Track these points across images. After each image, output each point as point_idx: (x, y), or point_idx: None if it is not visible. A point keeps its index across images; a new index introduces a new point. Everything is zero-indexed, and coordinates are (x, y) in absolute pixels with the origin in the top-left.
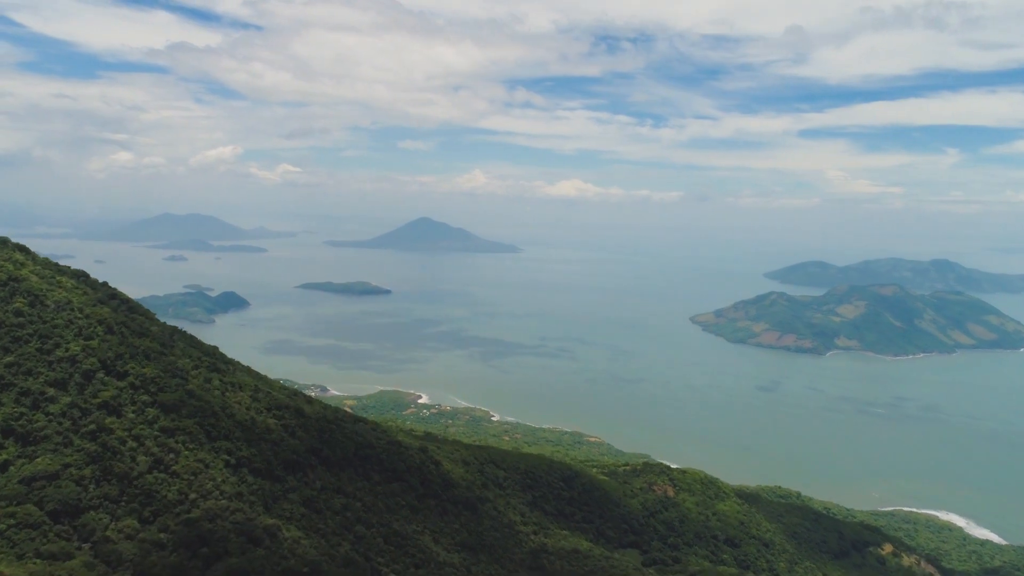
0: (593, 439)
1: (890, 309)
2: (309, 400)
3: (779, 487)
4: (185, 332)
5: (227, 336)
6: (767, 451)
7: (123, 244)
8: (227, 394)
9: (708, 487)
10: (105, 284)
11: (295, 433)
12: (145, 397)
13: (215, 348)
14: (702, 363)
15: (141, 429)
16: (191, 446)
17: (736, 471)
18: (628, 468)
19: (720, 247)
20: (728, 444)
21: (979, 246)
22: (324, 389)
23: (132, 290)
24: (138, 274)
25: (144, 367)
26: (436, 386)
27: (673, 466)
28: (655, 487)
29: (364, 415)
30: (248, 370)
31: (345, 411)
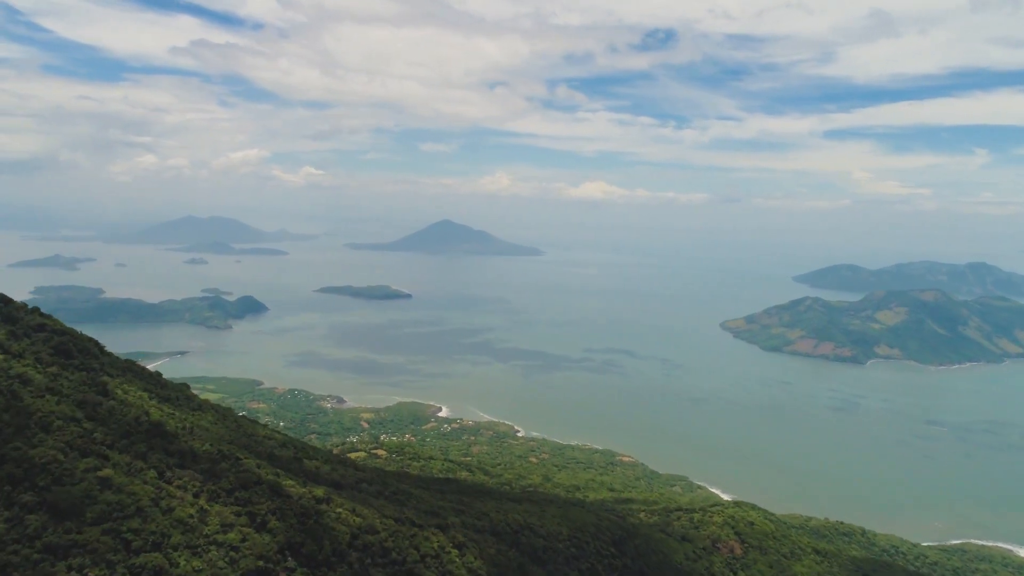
0: (626, 459)
1: (932, 316)
2: (298, 456)
3: (839, 522)
4: (146, 369)
5: (243, 343)
6: (814, 473)
7: (145, 247)
8: (169, 473)
9: (781, 543)
10: (36, 311)
11: (265, 524)
12: (29, 497)
13: (183, 387)
14: (737, 373)
15: (11, 555)
16: (92, 575)
17: (784, 497)
18: (683, 515)
19: (746, 249)
20: (771, 464)
21: (1015, 248)
22: (341, 400)
23: (150, 294)
24: (158, 277)
25: (34, 447)
26: (457, 398)
27: (723, 496)
28: (720, 545)
29: (381, 430)
30: (227, 415)
31: (345, 469)
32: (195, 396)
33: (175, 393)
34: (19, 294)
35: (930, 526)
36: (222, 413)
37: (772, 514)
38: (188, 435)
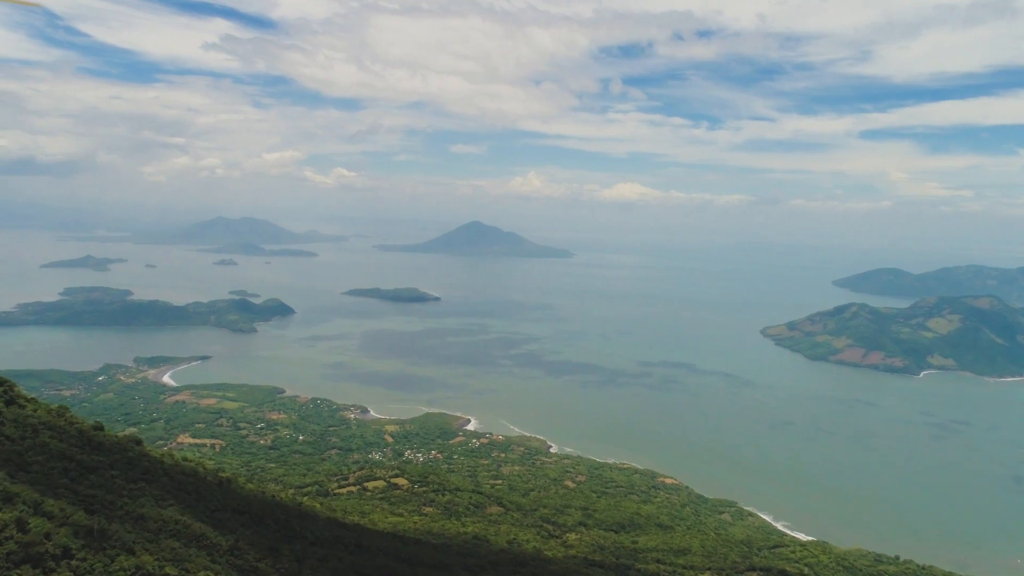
0: (669, 481)
1: (988, 324)
2: (275, 544)
3: (919, 566)
4: (76, 423)
5: (267, 348)
6: (873, 497)
7: (177, 247)
8: None
9: None
10: None
11: None
12: None
13: (129, 445)
14: (783, 386)
15: None
16: None
17: (842, 527)
18: None
19: (783, 252)
20: (824, 488)
21: None
22: (365, 411)
23: (178, 295)
24: (186, 279)
25: None
26: (486, 410)
27: (776, 524)
28: None
29: (406, 444)
30: (184, 482)
31: (340, 555)
32: (146, 456)
33: (112, 459)
34: (49, 295)
35: (1011, 563)
36: (178, 480)
37: (849, 561)
38: (94, 549)
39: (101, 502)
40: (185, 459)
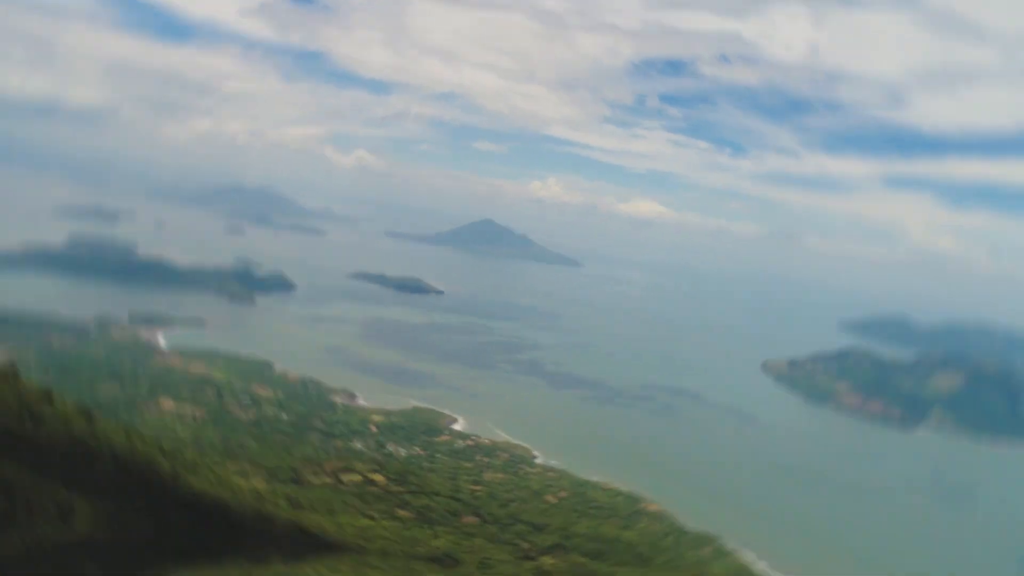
0: (652, 507)
1: (993, 385)
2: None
3: None
4: (24, 390)
5: (264, 320)
6: (863, 553)
7: (189, 209)
8: None
9: None
10: None
11: None
12: None
13: (88, 418)
14: (780, 425)
15: None
16: None
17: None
18: None
19: (791, 287)
20: (814, 535)
21: None
22: (353, 396)
23: (182, 257)
24: (193, 241)
25: None
26: (476, 412)
27: (759, 563)
28: None
29: (391, 437)
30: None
31: None
32: (94, 435)
33: (52, 437)
34: (55, 240)
35: None
36: (125, 465)
37: None
38: None
39: (20, 487)
40: (143, 439)
